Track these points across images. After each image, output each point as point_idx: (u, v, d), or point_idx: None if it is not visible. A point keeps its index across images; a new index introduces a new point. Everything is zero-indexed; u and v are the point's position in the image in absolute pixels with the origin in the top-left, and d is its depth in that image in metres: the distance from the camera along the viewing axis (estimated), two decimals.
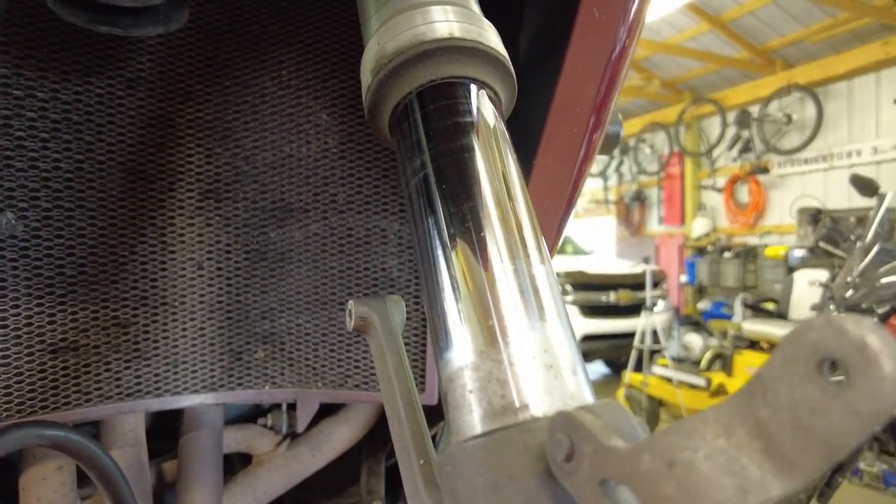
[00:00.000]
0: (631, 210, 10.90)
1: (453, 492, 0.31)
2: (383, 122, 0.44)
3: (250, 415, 1.04)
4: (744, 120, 8.31)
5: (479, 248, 0.35)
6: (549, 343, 0.32)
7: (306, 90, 0.81)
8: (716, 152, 8.99)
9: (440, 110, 0.40)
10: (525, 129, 0.73)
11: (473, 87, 0.42)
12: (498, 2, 0.62)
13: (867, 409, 0.18)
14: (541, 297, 0.34)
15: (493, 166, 0.38)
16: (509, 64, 0.44)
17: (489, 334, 0.33)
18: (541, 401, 0.31)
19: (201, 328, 0.84)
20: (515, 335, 0.32)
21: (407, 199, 0.40)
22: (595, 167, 11.19)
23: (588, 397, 0.32)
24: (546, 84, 0.71)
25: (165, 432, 0.98)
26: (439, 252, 0.36)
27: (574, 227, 12.13)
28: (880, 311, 3.08)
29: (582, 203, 12.20)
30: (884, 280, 3.22)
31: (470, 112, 0.40)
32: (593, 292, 6.89)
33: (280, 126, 0.81)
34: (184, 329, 0.83)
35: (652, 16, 7.30)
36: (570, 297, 6.78)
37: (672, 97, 9.73)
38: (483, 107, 0.41)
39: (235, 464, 1.07)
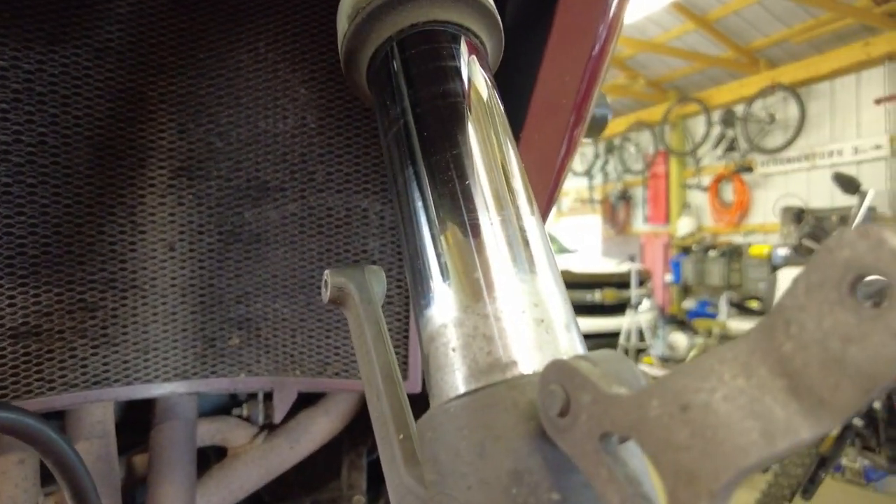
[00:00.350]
0: (616, 209, 10.93)
1: (435, 459, 0.28)
2: (360, 72, 0.41)
3: (225, 407, 1.01)
4: (728, 119, 8.37)
5: (463, 198, 0.32)
6: (539, 297, 0.29)
7: (283, 63, 0.77)
8: (700, 151, 9.04)
9: (421, 55, 0.37)
10: None
11: (457, 34, 0.39)
12: None
13: None
14: (531, 250, 0.31)
15: (480, 113, 0.35)
16: (496, 12, 0.41)
17: (474, 288, 0.29)
18: (531, 357, 0.28)
19: (173, 313, 0.80)
20: (503, 289, 0.29)
21: (385, 151, 0.37)
22: (580, 166, 11.23)
23: (580, 349, 0.29)
24: (525, 81, 0.70)
25: (136, 424, 0.94)
26: (419, 203, 0.33)
27: (560, 226, 12.15)
28: None
29: (567, 202, 12.24)
30: None
31: (454, 57, 0.37)
32: (579, 291, 6.89)
33: (256, 101, 0.78)
34: (154, 313, 0.79)
35: (637, 14, 7.32)
36: None
37: (657, 96, 9.77)
38: (468, 53, 0.38)
39: (210, 457, 1.03)
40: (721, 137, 8.57)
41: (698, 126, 9.15)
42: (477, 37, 0.40)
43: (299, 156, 0.79)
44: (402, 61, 0.38)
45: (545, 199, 0.83)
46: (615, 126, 10.37)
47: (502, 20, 0.71)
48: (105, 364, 0.77)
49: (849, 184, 4.26)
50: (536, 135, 0.73)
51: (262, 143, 0.78)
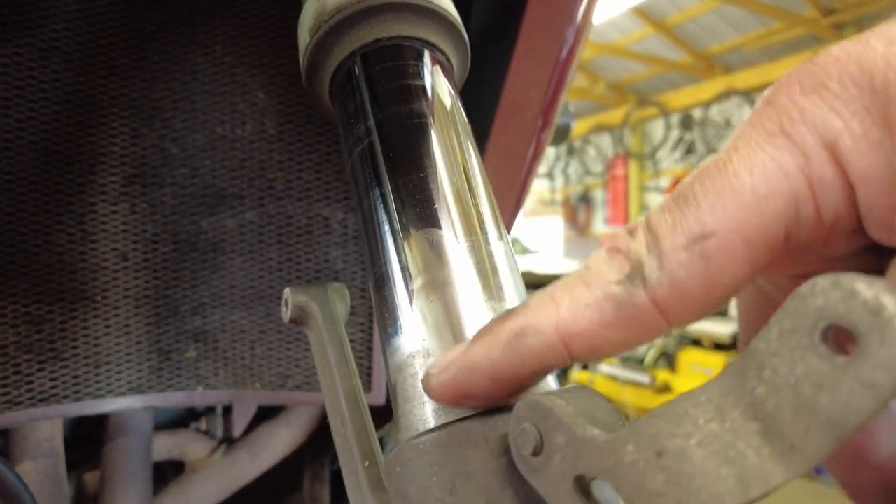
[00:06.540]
0: (577, 211, 11.09)
1: (404, 496, 0.27)
2: (323, 87, 0.40)
3: (183, 418, 0.97)
4: (687, 123, 8.59)
5: (431, 223, 0.31)
6: None
7: (242, 67, 0.75)
8: (659, 154, 9.24)
9: (387, 72, 0.36)
10: (472, 128, 0.72)
11: (423, 50, 0.38)
12: None
13: (883, 381, 0.16)
14: (499, 277, 0.30)
15: (446, 133, 0.35)
16: (462, 28, 0.40)
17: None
18: None
19: (126, 325, 0.77)
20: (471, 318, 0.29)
21: (349, 171, 0.36)
22: (542, 168, 11.34)
23: (552, 383, 0.28)
24: (492, 85, 0.69)
25: (88, 439, 0.90)
26: (386, 227, 0.32)
27: (522, 227, 12.26)
28: None
29: (529, 203, 12.35)
30: None
31: (420, 75, 0.36)
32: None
33: (213, 105, 0.75)
34: (106, 326, 0.76)
35: (598, 18, 7.44)
36: None
37: (617, 99, 9.94)
38: (434, 71, 0.38)
39: (168, 472, 0.99)
40: (679, 140, 8.77)
41: (657, 129, 9.35)
42: (443, 53, 0.39)
43: (258, 162, 0.76)
44: (367, 77, 0.37)
45: (512, 203, 0.82)
46: (576, 128, 10.50)
47: (468, 25, 0.71)
48: (53, 379, 0.73)
49: None
50: (503, 139, 0.73)
51: (219, 149, 0.76)
